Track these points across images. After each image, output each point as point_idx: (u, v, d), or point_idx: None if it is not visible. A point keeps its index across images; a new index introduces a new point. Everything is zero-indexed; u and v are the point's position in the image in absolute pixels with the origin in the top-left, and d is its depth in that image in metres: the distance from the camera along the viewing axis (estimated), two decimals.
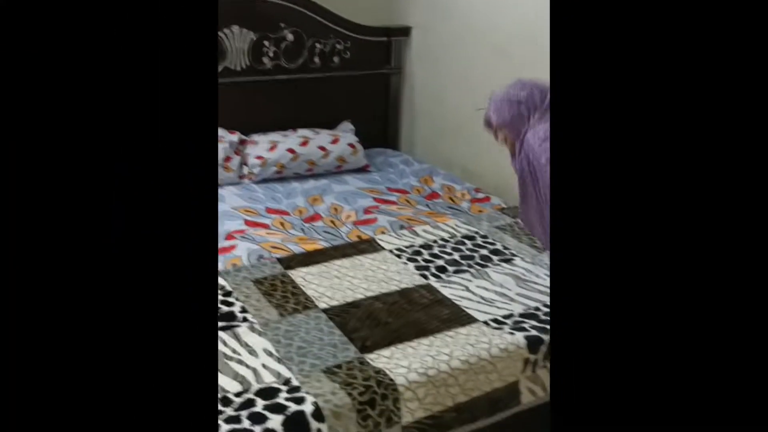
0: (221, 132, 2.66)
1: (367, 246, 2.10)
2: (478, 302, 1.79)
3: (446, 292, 1.83)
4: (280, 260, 1.99)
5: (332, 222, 2.31)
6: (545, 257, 2.02)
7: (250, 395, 1.40)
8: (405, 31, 3.11)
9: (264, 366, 1.49)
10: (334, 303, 1.76)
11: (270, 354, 1.54)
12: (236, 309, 1.72)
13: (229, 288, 1.82)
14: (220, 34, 2.72)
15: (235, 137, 2.72)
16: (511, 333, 1.64)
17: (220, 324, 1.64)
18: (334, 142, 2.79)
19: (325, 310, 1.72)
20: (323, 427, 1.35)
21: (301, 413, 1.35)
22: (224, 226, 2.19)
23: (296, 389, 1.41)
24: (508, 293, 1.83)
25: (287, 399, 1.38)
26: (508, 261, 2.02)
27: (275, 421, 1.32)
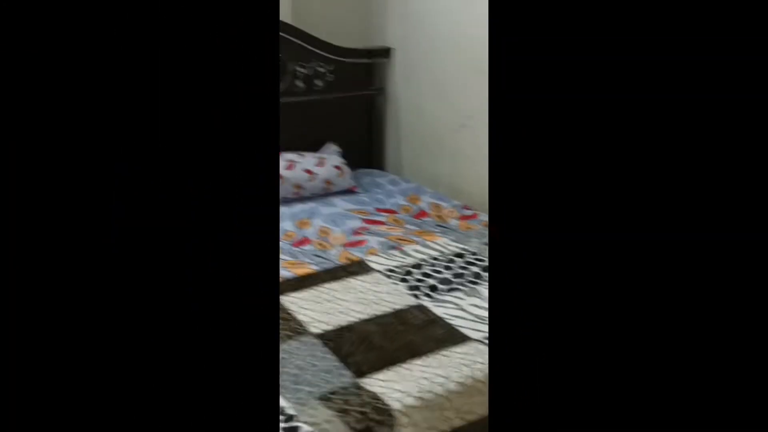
0: None
1: (357, 268, 2.09)
2: (472, 320, 1.77)
3: (439, 311, 1.82)
4: None
5: (321, 245, 2.30)
6: None
7: None
8: (386, 52, 3.12)
9: None
10: (327, 328, 1.74)
11: None
12: None
13: None
14: None
15: None
16: None
17: None
18: (320, 164, 2.79)
19: (318, 336, 1.71)
20: None
21: None
22: None
23: (291, 418, 1.39)
24: None
25: (282, 429, 1.36)
26: None
27: None
